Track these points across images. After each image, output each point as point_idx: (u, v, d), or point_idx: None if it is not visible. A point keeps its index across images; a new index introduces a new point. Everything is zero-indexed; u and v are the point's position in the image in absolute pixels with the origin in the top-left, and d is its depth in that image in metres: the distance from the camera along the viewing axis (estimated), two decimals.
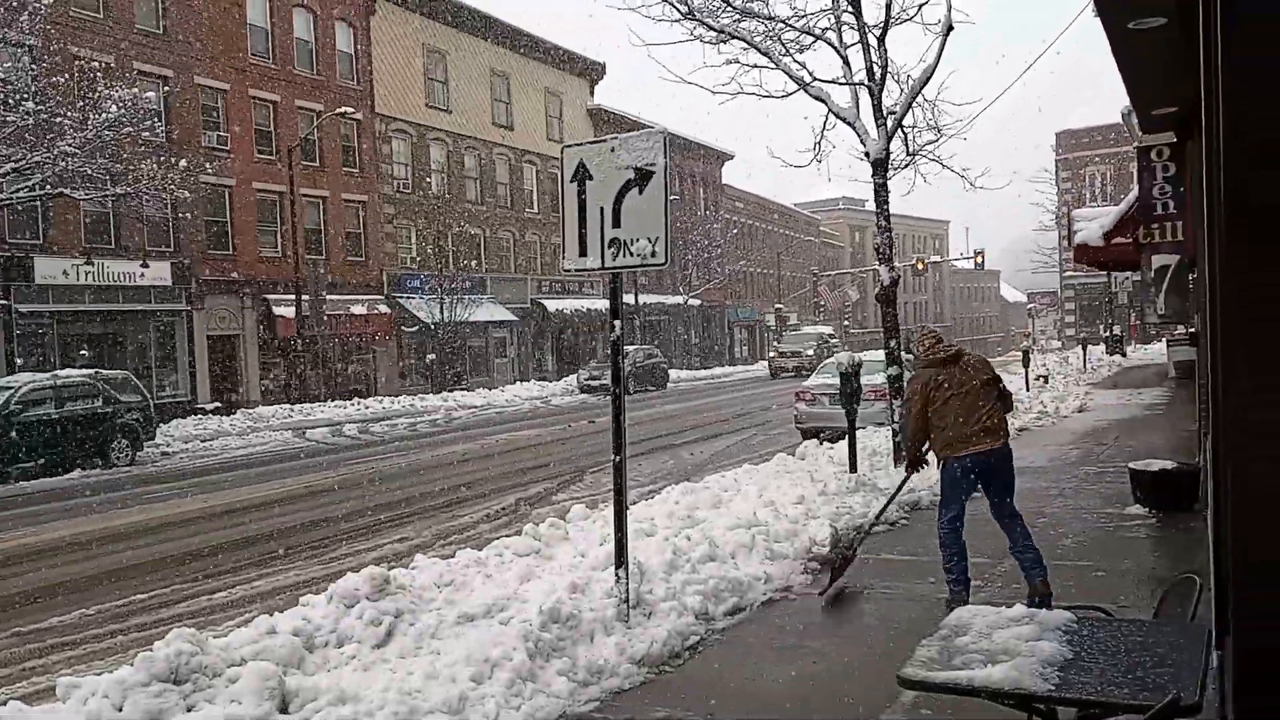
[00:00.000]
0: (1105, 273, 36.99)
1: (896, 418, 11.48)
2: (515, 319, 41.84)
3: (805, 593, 7.07)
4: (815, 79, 11.96)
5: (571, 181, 6.37)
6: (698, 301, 56.16)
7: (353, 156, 35.34)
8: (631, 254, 6.11)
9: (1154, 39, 6.85)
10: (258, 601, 8.12)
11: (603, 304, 47.29)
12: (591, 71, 49.58)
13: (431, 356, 36.24)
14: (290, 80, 32.70)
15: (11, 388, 18.16)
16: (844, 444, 11.26)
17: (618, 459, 6.21)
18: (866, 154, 11.79)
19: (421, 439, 22.59)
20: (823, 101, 12.03)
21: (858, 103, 12.05)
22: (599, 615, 5.86)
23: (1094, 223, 13.11)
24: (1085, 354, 33.99)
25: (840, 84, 12.04)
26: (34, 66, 21.84)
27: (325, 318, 30.53)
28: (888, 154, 11.86)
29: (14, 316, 24.24)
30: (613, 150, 6.22)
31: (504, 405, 32.44)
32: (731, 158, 63.57)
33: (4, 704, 4.57)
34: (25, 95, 20.09)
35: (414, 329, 36.35)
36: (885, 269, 11.65)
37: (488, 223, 42.25)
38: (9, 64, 20.86)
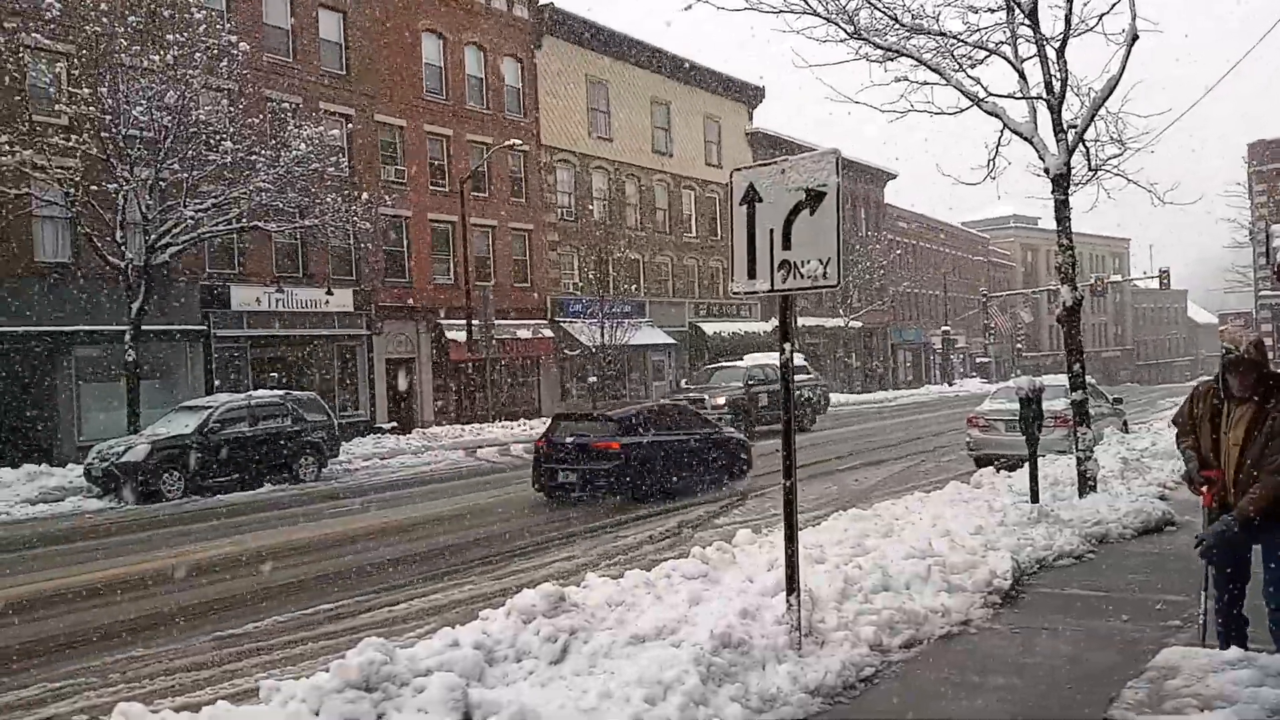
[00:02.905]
0: None
1: (1079, 446, 10.90)
2: (673, 342, 42.15)
3: (986, 627, 6.77)
4: (989, 94, 11.58)
5: (741, 204, 6.36)
6: (859, 324, 55.15)
7: (519, 186, 36.57)
8: (802, 275, 6.04)
9: None
10: (435, 615, 8.40)
11: (759, 326, 47.08)
12: (750, 95, 49.69)
13: (592, 379, 36.90)
14: (462, 115, 34.16)
15: (211, 407, 19.54)
16: (1023, 473, 10.77)
17: (788, 484, 6.13)
18: (1045, 170, 11.30)
19: None
20: (997, 117, 11.62)
21: (1035, 117, 11.58)
22: (770, 642, 5.78)
23: None
24: None
25: (1016, 98, 11.61)
26: (232, 109, 23.58)
27: (493, 341, 31.56)
28: (1068, 169, 11.34)
29: (213, 340, 26.14)
30: (783, 172, 6.18)
31: None
32: (895, 177, 62.37)
33: (212, 703, 4.87)
34: (225, 136, 21.69)
35: (576, 352, 37.13)
36: (1067, 289, 11.10)
37: (647, 248, 42.82)
38: (210, 107, 22.57)
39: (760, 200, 6.24)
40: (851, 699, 5.51)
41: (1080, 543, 8.91)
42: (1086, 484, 10.86)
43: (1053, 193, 11.36)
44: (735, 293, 6.49)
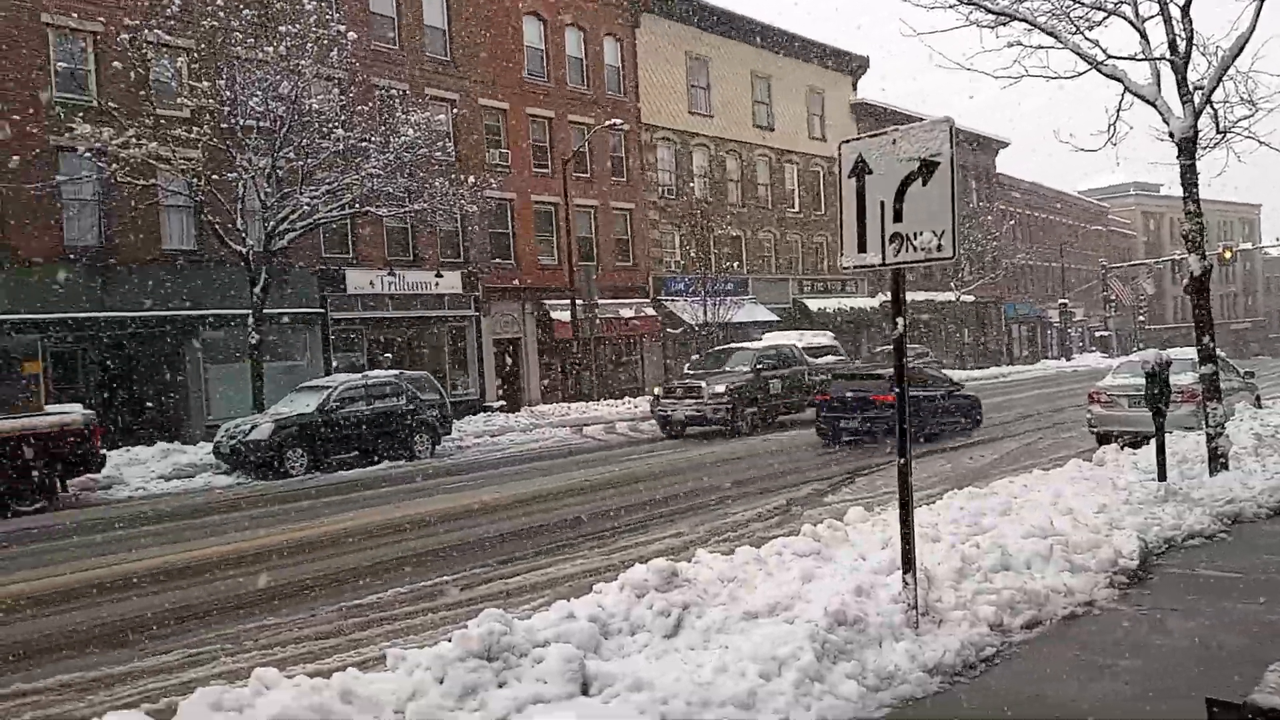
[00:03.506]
0: None
1: (1210, 421, 10.43)
2: (777, 319, 41.75)
3: (1111, 608, 6.56)
4: (1109, 56, 11.08)
5: (849, 177, 6.25)
6: (971, 298, 53.69)
7: (620, 166, 36.70)
8: (915, 248, 5.92)
9: None
10: (548, 588, 8.56)
11: (865, 302, 46.32)
12: (854, 66, 48.70)
13: (695, 357, 36.87)
14: (563, 96, 34.41)
15: (330, 386, 20.24)
16: (1148, 450, 10.37)
17: (903, 461, 6.03)
18: (1170, 134, 10.79)
19: (688, 438, 23.00)
20: (1118, 80, 11.12)
21: (1158, 79, 11.05)
22: (886, 620, 5.71)
23: None
24: None
25: (1138, 60, 11.09)
26: (342, 97, 24.24)
27: (597, 321, 31.84)
28: (1195, 133, 10.79)
29: (330, 322, 27.05)
30: (894, 142, 6.05)
31: None
32: (1007, 145, 60.42)
33: (342, 669, 5.06)
34: (336, 124, 22.31)
35: (678, 330, 37.16)
36: (1195, 258, 10.60)
37: (749, 224, 42.50)
38: (322, 96, 23.22)
39: (870, 172, 6.12)
40: (971, 678, 5.41)
41: (1211, 522, 8.55)
42: (1217, 461, 10.38)
43: (1178, 158, 10.84)
44: (844, 268, 6.39)
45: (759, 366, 23.31)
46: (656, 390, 24.05)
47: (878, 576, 6.38)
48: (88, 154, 20.22)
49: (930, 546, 7.05)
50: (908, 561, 5.88)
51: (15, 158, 20.83)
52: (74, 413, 16.75)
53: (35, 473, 15.68)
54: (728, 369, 23.22)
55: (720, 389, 22.03)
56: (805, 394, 23.91)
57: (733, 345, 27.05)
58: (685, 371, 24.67)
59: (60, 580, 10.17)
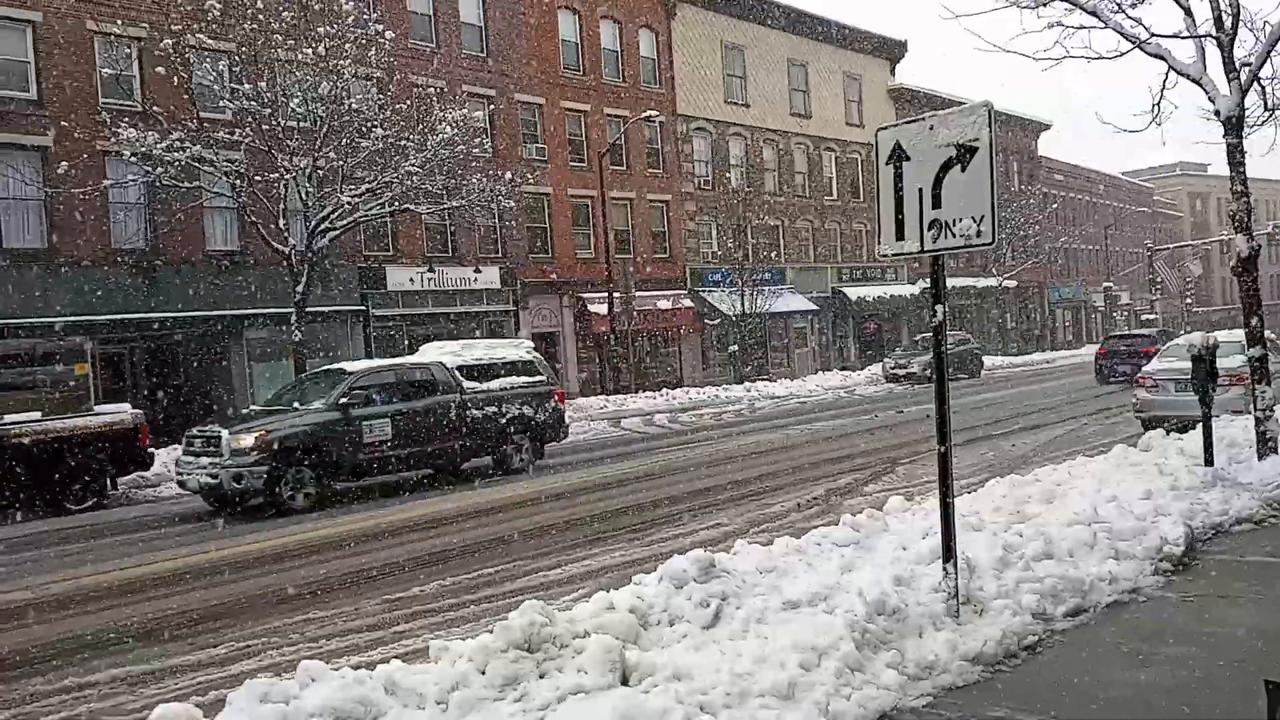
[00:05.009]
0: None
1: (1258, 404, 10.22)
2: (815, 308, 41.60)
3: (1157, 595, 6.48)
4: (1152, 35, 10.87)
5: (887, 164, 6.21)
6: (1013, 283, 53.02)
7: (656, 158, 36.69)
8: (954, 235, 5.87)
9: None
10: (589, 579, 8.62)
11: (906, 290, 45.95)
12: (892, 50, 48.24)
13: (734, 348, 36.84)
14: (598, 90, 34.45)
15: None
16: (1195, 435, 10.19)
17: (943, 449, 5.99)
18: (1216, 112, 10.57)
19: (726, 428, 23.00)
20: (1161, 59, 10.90)
21: (1204, 57, 10.82)
22: (927, 610, 5.69)
23: None
24: None
25: (1182, 38, 10.87)
26: (381, 96, 24.42)
27: (634, 313, 31.88)
28: (1242, 111, 10.55)
29: (371, 319, 27.35)
30: (931, 128, 6.00)
31: (806, 395, 32.32)
32: (1048, 127, 59.60)
33: (386, 661, 5.14)
34: (375, 123, 22.49)
35: (716, 321, 37.13)
36: (1243, 238, 10.38)
37: (786, 213, 42.30)
38: (361, 96, 23.41)
39: (908, 158, 6.08)
40: (1014, 667, 5.37)
41: (1260, 507, 8.40)
42: (1266, 445, 10.17)
43: (1224, 136, 10.61)
44: (883, 255, 6.35)
45: (345, 400, 14.83)
46: (182, 440, 15.83)
47: (918, 566, 6.35)
48: (133, 158, 20.57)
49: (972, 535, 7.00)
50: (948, 550, 5.85)
51: (64, 163, 21.25)
52: (123, 413, 17.07)
53: (86, 472, 16.03)
54: (298, 405, 15.11)
55: (248, 442, 13.82)
56: (465, 435, 16.14)
57: (331, 366, 17.61)
58: (254, 410, 16.68)
59: (111, 577, 10.39)
